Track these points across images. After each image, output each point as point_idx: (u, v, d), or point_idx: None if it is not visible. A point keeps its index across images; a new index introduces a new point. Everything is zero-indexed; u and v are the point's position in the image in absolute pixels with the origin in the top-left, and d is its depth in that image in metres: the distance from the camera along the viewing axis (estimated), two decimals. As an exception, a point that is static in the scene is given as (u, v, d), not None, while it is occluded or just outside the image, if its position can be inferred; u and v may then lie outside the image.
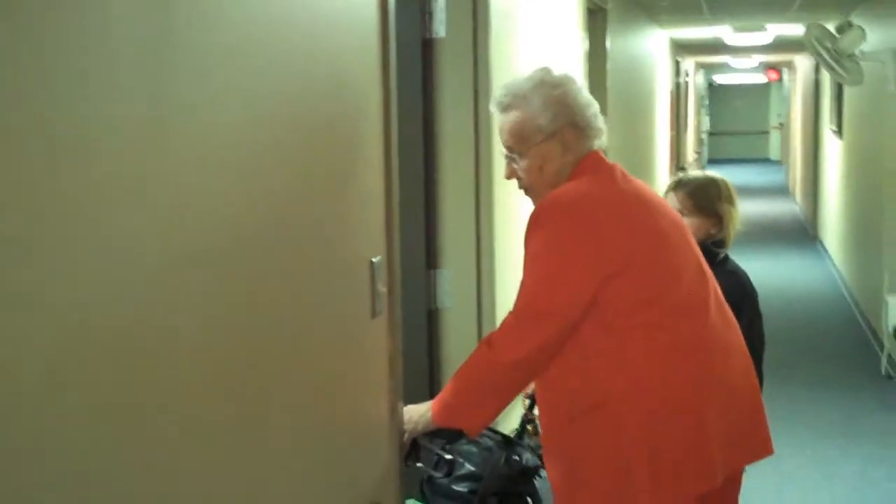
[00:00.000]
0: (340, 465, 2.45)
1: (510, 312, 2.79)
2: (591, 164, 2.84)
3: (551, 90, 2.83)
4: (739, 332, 2.97)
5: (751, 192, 21.25)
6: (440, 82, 3.95)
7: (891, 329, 7.37)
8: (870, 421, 6.79)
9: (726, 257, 3.73)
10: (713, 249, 3.69)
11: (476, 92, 3.94)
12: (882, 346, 7.87)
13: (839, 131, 11.39)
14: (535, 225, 2.77)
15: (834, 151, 12.17)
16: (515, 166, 2.89)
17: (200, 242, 1.70)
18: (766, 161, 28.47)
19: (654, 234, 2.79)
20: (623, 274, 2.70)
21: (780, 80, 26.37)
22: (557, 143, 2.80)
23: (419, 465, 3.00)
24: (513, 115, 2.85)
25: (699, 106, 22.87)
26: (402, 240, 3.81)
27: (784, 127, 24.55)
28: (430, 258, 3.97)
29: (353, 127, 2.54)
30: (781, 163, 25.82)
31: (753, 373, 2.96)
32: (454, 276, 4.00)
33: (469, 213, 4.01)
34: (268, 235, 1.99)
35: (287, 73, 2.08)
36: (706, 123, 26.39)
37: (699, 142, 22.09)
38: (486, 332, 3.94)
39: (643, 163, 10.69)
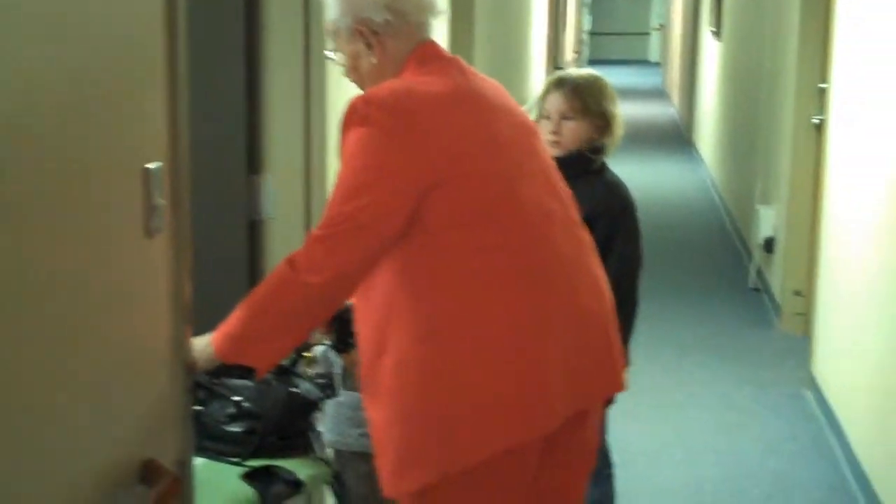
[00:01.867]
0: (102, 413, 2.00)
1: (316, 226, 2.40)
2: (418, 57, 2.49)
3: None
4: (593, 252, 2.63)
5: (629, 94, 21.06)
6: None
7: (760, 240, 7.10)
8: (736, 337, 6.53)
9: (604, 166, 3.32)
10: (589, 156, 3.27)
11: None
12: (751, 258, 7.61)
13: (718, 33, 11.09)
14: (346, 125, 2.40)
15: (712, 54, 11.88)
16: (339, 63, 2.58)
17: None
18: (645, 63, 28.37)
19: (487, 139, 2.43)
20: (446, 184, 2.36)
21: (663, -20, 26.10)
22: (358, 40, 2.51)
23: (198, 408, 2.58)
24: (323, 6, 2.56)
25: (580, 4, 22.45)
26: (216, 141, 3.34)
27: (664, 28, 24.38)
28: (252, 162, 3.47)
29: None
30: (660, 65, 25.74)
31: (607, 299, 2.61)
32: (280, 183, 3.51)
33: (297, 109, 3.51)
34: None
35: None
36: (587, 23, 26.03)
37: (579, 42, 21.72)
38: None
39: (515, 62, 10.23)
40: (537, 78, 12.19)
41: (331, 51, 2.60)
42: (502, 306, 2.40)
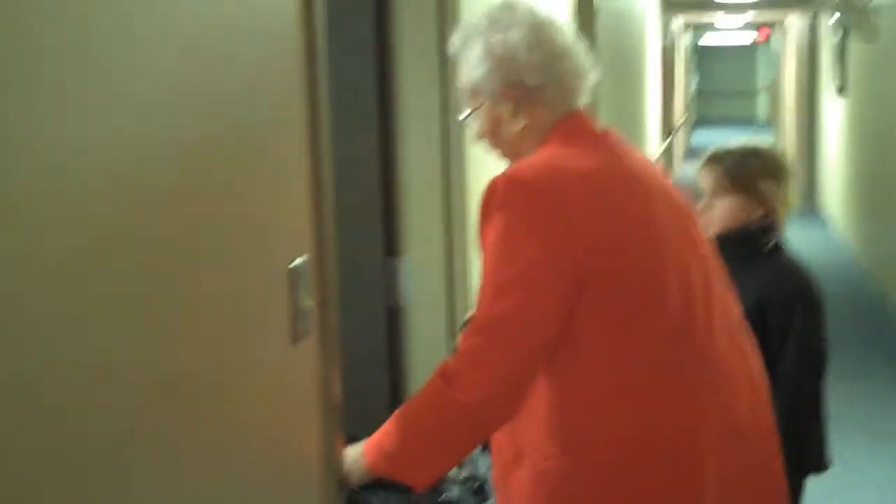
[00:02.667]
0: None
1: (466, 330, 2.10)
2: (567, 129, 2.19)
3: (491, 35, 2.19)
4: (756, 360, 2.30)
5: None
6: (397, 32, 3.16)
7: (913, 308, 6.63)
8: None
9: (777, 247, 2.97)
10: (759, 238, 2.94)
11: (441, 39, 3.14)
12: (901, 326, 7.12)
13: (842, 89, 10.64)
14: (486, 207, 2.08)
15: (835, 114, 11.41)
16: (475, 125, 2.29)
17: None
18: (753, 122, 27.85)
19: (641, 229, 2.11)
20: (598, 280, 2.04)
21: (768, 40, 25.66)
22: (503, 104, 2.21)
23: None
24: (459, 63, 2.25)
25: (687, 66, 22.11)
26: (349, 220, 3.07)
27: (774, 88, 23.90)
28: (388, 244, 3.19)
29: (255, 102, 1.78)
30: (769, 124, 25.24)
31: (769, 412, 2.28)
32: (419, 266, 3.22)
33: (436, 185, 3.22)
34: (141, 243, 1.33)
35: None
36: (693, 84, 25.65)
37: (688, 103, 21.34)
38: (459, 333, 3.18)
39: (634, 126, 9.92)
40: (652, 141, 11.85)
41: (466, 114, 2.30)
42: (653, 423, 2.10)
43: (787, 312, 2.89)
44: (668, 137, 13.51)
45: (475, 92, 2.23)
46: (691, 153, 20.11)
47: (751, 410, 2.22)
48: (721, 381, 2.17)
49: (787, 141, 18.68)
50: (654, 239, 2.11)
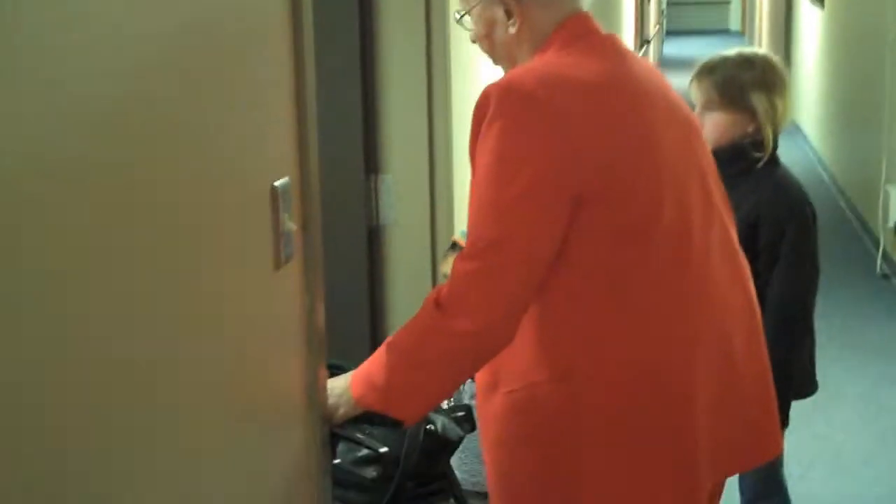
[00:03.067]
0: (235, 471, 1.65)
1: (460, 251, 1.99)
2: (568, 33, 2.05)
3: None
4: (750, 287, 2.20)
5: (712, 65, 20.37)
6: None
7: (891, 224, 6.57)
8: (872, 331, 6.02)
9: (772, 162, 2.86)
10: (752, 153, 2.83)
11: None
12: (877, 242, 7.07)
13: (820, 0, 10.48)
14: (479, 118, 1.96)
15: (812, 22, 11.27)
16: (468, 29, 2.17)
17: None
18: (725, 32, 27.58)
19: (643, 143, 1.99)
20: (595, 199, 1.93)
21: (742, -53, 25.35)
22: (497, 5, 2.08)
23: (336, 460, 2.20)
24: None
25: (660, -26, 21.82)
26: (328, 138, 2.93)
27: (747, -4, 23.65)
28: (369, 161, 3.07)
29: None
30: (743, 34, 24.99)
31: (763, 341, 2.20)
32: (401, 184, 3.10)
33: (419, 97, 3.09)
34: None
35: None
36: (665, -8, 25.33)
37: (660, 13, 21.08)
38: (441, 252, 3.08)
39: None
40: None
41: (460, 14, 2.17)
42: (649, 353, 2.01)
43: (778, 233, 2.80)
44: (642, 48, 13.33)
45: None
46: (663, 63, 19.92)
47: (746, 340, 2.14)
48: (717, 307, 2.08)
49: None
50: (654, 157, 2.00)
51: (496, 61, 2.17)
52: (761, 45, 18.12)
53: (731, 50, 2.98)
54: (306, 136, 1.93)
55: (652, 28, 16.82)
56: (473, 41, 2.18)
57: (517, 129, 1.91)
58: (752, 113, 2.83)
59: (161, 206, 1.35)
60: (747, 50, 3.00)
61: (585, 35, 2.06)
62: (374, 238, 3.08)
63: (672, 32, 25.10)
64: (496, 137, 1.91)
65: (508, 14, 2.07)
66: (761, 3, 18.59)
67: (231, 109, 1.62)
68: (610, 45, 2.07)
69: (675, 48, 22.84)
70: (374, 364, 2.04)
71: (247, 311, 1.71)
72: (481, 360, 2.04)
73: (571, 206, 1.92)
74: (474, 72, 2.73)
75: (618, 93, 2.00)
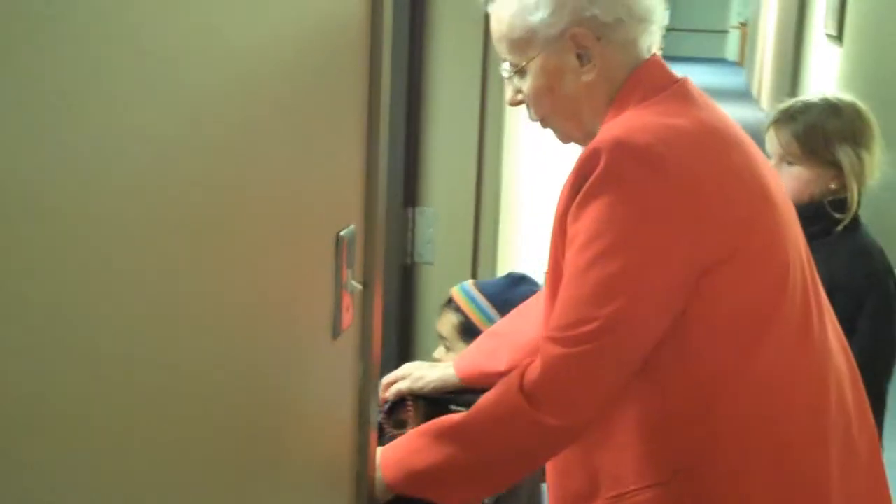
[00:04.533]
0: None
1: (549, 329, 1.66)
2: (649, 80, 1.74)
3: None
4: (850, 352, 1.90)
5: (710, 93, 20.10)
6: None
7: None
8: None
9: (854, 224, 2.56)
10: (832, 214, 2.53)
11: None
12: None
13: (839, 38, 10.22)
14: (582, 181, 1.63)
15: (828, 59, 11.01)
16: (517, 87, 1.83)
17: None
18: (722, 62, 27.49)
19: (762, 194, 1.70)
20: (725, 267, 1.64)
21: (744, -23, 25.25)
22: (569, 51, 1.74)
23: None
24: (499, 9, 1.74)
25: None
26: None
27: (748, 26, 23.50)
28: (408, 191, 2.74)
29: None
30: (740, 65, 24.87)
31: (870, 413, 1.89)
32: (442, 218, 2.77)
33: (471, 129, 2.77)
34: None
35: None
36: (665, 18, 25.21)
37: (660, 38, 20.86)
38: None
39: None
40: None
41: (512, 69, 1.81)
42: (780, 438, 1.71)
43: (856, 306, 2.50)
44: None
45: (527, 41, 1.76)
46: (661, 89, 19.65)
47: (857, 406, 1.84)
48: (834, 376, 1.78)
49: (760, 84, 18.33)
50: (773, 213, 1.70)
51: (554, 122, 1.83)
52: (763, 78, 17.91)
53: (815, 95, 2.67)
54: (376, 176, 1.61)
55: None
56: (516, 103, 1.84)
57: (636, 193, 1.60)
58: (836, 167, 2.53)
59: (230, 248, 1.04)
60: (832, 95, 2.69)
61: (667, 82, 1.75)
62: (408, 277, 2.76)
63: (670, 58, 24.95)
64: (608, 203, 1.60)
65: (582, 59, 1.74)
66: (764, 35, 18.38)
67: (306, 141, 1.30)
68: (693, 91, 1.77)
69: (672, 74, 22.64)
70: (411, 449, 1.75)
71: (293, 383, 1.39)
72: (555, 454, 1.75)
73: (695, 277, 1.61)
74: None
75: (727, 144, 1.71)
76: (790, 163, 2.56)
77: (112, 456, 0.88)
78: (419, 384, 2.02)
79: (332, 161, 1.47)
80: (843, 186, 2.55)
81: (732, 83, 22.35)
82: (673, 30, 27.46)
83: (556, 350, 1.62)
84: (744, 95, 20.23)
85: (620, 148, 1.61)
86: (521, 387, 1.63)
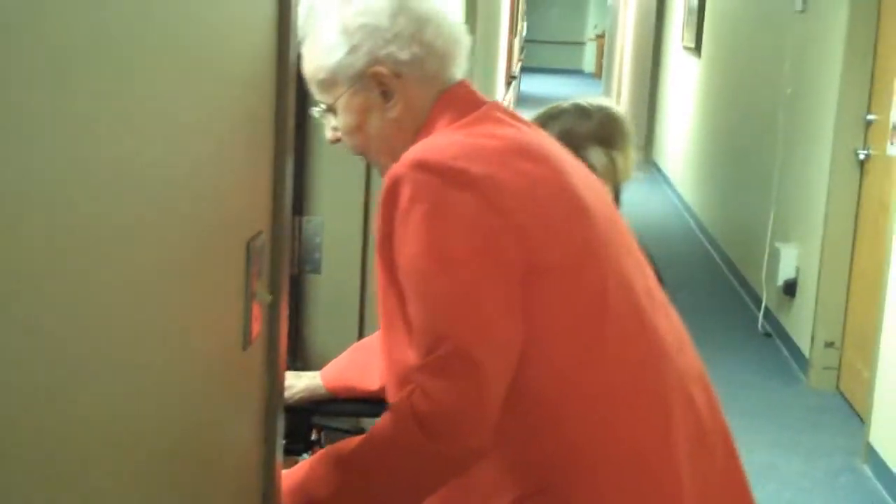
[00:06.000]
0: None
1: (415, 359, 1.67)
2: (455, 106, 1.79)
3: (344, 6, 1.79)
4: (691, 344, 1.95)
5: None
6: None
7: (778, 282, 6.45)
8: (759, 392, 5.85)
9: None
10: None
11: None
12: (758, 300, 6.93)
13: (696, 49, 10.47)
14: (392, 208, 1.66)
15: (687, 72, 11.27)
16: (334, 126, 1.87)
17: None
18: (579, 73, 27.92)
19: (578, 210, 1.74)
20: (546, 276, 1.67)
21: (600, -10, 25.69)
22: (372, 88, 1.80)
23: None
24: (306, 51, 1.83)
25: (521, 12, 21.83)
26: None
27: (605, 38, 23.90)
28: (296, 201, 2.69)
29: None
30: (597, 76, 25.29)
31: (721, 413, 1.93)
32: (329, 227, 2.73)
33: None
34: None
35: None
36: (524, 29, 25.48)
37: (521, 49, 21.07)
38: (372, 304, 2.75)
39: (490, 74, 9.50)
40: (500, 92, 11.49)
41: (322, 108, 1.85)
42: (631, 436, 1.73)
43: None
44: (509, 86, 13.18)
45: (332, 81, 1.79)
46: (522, 100, 19.93)
47: (708, 405, 1.86)
48: (675, 373, 1.79)
49: (621, 96, 18.66)
50: (588, 222, 1.72)
51: (370, 156, 1.87)
52: (621, 90, 18.23)
53: (566, 101, 2.67)
54: (283, 182, 1.57)
55: (514, 65, 16.74)
56: (334, 140, 1.87)
57: (444, 208, 1.62)
58: (590, 169, 2.53)
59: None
60: (583, 100, 2.68)
61: (473, 105, 1.80)
62: (294, 285, 2.70)
63: (529, 69, 25.23)
64: (420, 225, 1.61)
65: (386, 95, 1.78)
66: (622, 48, 18.71)
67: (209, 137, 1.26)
68: (503, 112, 1.81)
69: (531, 86, 22.96)
70: (309, 477, 1.73)
71: (203, 396, 1.34)
72: (462, 474, 1.72)
73: (523, 281, 1.64)
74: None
75: (537, 160, 1.73)
76: None
77: None
78: (286, 394, 2.00)
79: (242, 168, 1.43)
80: None
81: (591, 94, 22.70)
82: (531, 41, 27.81)
83: (432, 380, 1.61)
84: (601, 106, 20.57)
85: (421, 168, 1.63)
86: (415, 418, 1.61)
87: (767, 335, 6.71)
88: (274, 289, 1.57)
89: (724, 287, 7.93)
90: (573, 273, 1.68)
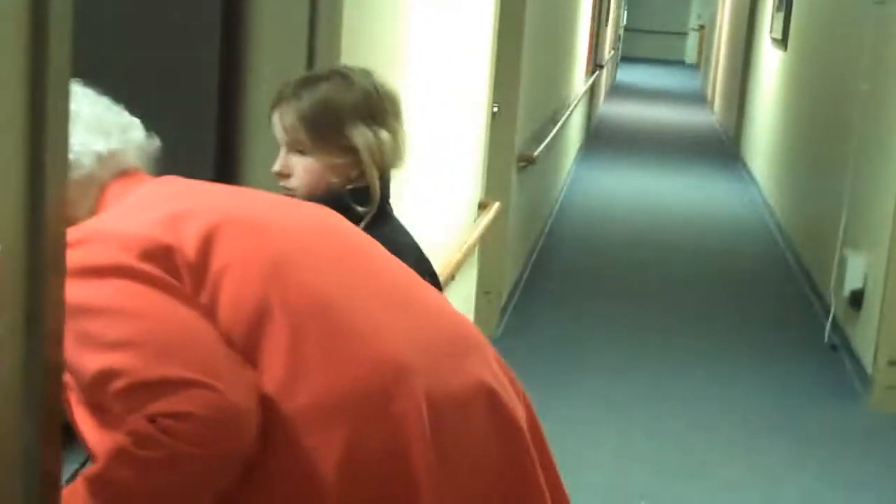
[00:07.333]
0: None
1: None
2: (114, 198, 1.85)
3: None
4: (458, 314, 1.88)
5: (663, 95, 19.99)
6: None
7: (845, 292, 6.00)
8: (817, 414, 5.41)
9: (381, 218, 2.18)
10: (355, 208, 2.14)
11: None
12: (827, 309, 6.47)
13: (783, 42, 9.96)
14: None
15: (772, 64, 10.75)
16: None
17: None
18: (681, 64, 27.32)
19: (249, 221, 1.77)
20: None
21: (705, -21, 25.05)
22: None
23: None
24: None
25: (619, 2, 21.32)
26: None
27: (706, 29, 23.29)
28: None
29: None
30: (697, 67, 24.71)
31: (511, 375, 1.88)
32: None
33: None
34: None
35: None
36: (623, 18, 24.95)
37: (616, 38, 20.58)
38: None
39: (563, 63, 9.12)
40: (579, 79, 11.09)
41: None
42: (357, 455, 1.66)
43: None
44: (593, 74, 12.76)
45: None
46: (614, 90, 19.46)
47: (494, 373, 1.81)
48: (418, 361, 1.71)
49: (714, 87, 18.11)
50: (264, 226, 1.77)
51: None
52: (717, 84, 17.67)
53: (324, 68, 2.26)
54: (43, 182, 1.27)
55: (607, 53, 16.29)
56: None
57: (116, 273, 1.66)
58: (354, 153, 2.16)
59: None
60: (344, 67, 2.26)
61: (136, 180, 1.86)
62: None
63: (627, 59, 24.72)
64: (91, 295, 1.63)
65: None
66: (720, 39, 18.15)
67: None
68: (168, 179, 1.87)
69: (628, 75, 22.45)
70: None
71: None
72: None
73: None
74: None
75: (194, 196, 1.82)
76: (300, 152, 2.15)
77: None
78: None
79: None
80: (363, 173, 2.14)
81: (689, 86, 22.18)
82: (633, 30, 27.29)
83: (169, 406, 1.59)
84: (698, 98, 20.03)
85: (84, 241, 1.67)
86: (167, 435, 1.56)
87: (833, 347, 6.23)
88: (35, 318, 1.27)
89: (796, 293, 7.46)
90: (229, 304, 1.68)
